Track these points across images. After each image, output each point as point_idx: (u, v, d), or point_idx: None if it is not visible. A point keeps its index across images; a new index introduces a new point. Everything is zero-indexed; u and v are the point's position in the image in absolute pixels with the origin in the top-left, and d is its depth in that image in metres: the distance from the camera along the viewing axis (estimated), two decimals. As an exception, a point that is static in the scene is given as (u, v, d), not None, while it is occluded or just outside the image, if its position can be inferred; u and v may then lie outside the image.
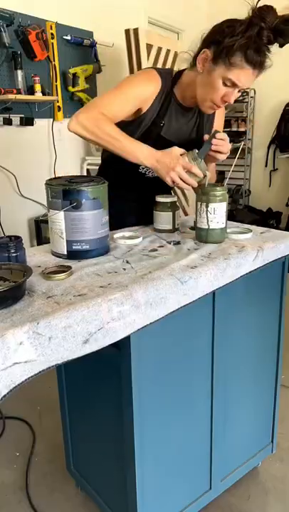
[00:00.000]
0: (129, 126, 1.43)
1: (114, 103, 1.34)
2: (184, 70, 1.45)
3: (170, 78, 1.44)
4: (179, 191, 4.56)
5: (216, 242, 1.31)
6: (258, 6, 1.23)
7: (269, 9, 1.23)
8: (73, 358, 0.90)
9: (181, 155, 1.28)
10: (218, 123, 1.61)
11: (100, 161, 1.70)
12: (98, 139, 1.29)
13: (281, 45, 1.26)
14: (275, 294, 1.49)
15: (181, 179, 1.27)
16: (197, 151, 1.29)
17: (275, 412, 1.63)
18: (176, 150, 1.29)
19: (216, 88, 1.31)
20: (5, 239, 1.10)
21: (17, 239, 1.10)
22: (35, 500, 1.61)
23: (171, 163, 1.27)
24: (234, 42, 1.23)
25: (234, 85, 1.30)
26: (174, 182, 1.28)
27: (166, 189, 1.60)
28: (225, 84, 1.30)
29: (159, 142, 1.42)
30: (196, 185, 1.28)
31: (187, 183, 1.28)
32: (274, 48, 1.27)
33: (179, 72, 1.45)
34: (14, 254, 1.08)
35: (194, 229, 1.36)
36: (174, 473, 1.31)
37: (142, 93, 1.39)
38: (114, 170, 1.50)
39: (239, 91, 1.33)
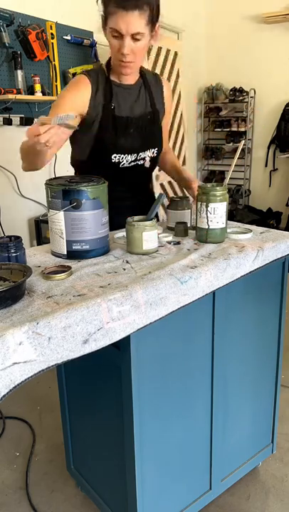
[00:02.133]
0: (85, 133, 1.49)
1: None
2: None
3: (102, 70, 1.52)
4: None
5: (216, 242, 1.31)
6: None
7: None
8: (73, 358, 0.90)
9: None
10: (167, 107, 1.68)
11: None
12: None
13: None
14: (275, 294, 1.49)
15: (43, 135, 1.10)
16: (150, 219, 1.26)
17: (275, 412, 1.63)
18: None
19: (111, 45, 1.40)
20: (5, 239, 1.10)
21: (17, 239, 1.10)
22: (35, 500, 1.61)
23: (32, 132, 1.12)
24: None
25: (119, 34, 1.35)
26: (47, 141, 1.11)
27: (148, 177, 1.68)
28: (115, 37, 1.37)
29: (118, 122, 1.50)
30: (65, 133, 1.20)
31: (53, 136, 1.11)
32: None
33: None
34: (14, 254, 1.08)
35: (194, 229, 1.36)
36: (174, 473, 1.31)
37: (75, 98, 1.46)
38: (92, 171, 1.48)
39: (134, 40, 1.36)
